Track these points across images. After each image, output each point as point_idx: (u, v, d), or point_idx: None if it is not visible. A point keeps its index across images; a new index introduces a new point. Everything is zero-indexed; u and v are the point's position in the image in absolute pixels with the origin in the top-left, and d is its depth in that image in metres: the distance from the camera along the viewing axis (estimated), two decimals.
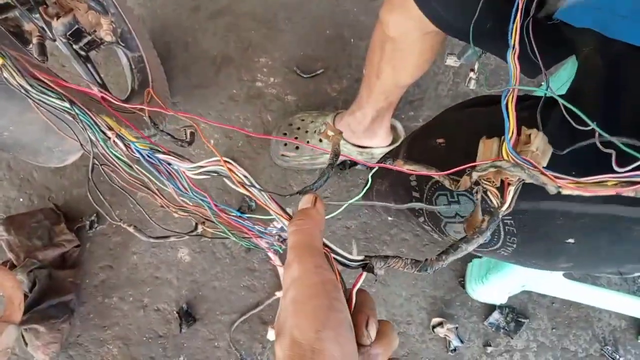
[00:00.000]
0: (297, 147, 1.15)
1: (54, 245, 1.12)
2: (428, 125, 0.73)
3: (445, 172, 0.40)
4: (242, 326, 1.10)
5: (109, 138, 0.43)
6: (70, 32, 0.92)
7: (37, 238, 1.12)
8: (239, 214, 0.46)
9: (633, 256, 0.51)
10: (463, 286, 1.13)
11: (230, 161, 0.40)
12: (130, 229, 0.57)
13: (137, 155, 0.44)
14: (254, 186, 0.39)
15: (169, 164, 0.44)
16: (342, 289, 0.34)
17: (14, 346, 1.00)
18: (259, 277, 1.14)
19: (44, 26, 0.88)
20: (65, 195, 1.21)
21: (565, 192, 0.29)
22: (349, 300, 0.36)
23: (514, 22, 0.41)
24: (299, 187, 1.20)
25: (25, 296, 1.01)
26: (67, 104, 0.43)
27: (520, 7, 0.41)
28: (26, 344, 1.04)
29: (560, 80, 0.96)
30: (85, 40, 0.96)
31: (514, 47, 0.39)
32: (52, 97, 0.43)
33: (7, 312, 0.87)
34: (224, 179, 0.42)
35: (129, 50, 1.14)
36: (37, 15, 0.87)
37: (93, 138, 0.44)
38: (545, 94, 0.40)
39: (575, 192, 0.28)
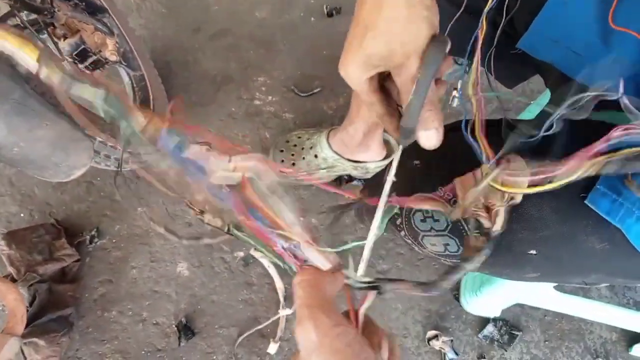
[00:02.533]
0: (293, 163, 1.18)
1: (54, 260, 1.14)
2: (408, 147, 0.76)
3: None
4: (241, 341, 1.11)
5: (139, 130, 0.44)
6: (76, 52, 0.96)
7: (37, 252, 1.13)
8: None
9: (593, 267, 0.54)
10: (457, 299, 1.15)
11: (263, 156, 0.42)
12: (161, 230, 0.58)
13: (168, 148, 0.44)
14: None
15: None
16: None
17: None
18: (256, 291, 1.15)
19: (52, 46, 0.91)
20: (66, 211, 1.23)
21: None
22: (356, 320, 0.37)
23: (472, 55, 0.46)
24: (295, 201, 1.23)
25: (25, 310, 1.03)
26: (102, 93, 0.44)
27: (479, 39, 0.45)
28: (25, 358, 1.05)
29: (547, 98, 1.00)
30: (90, 60, 1.00)
31: (477, 82, 0.43)
32: (87, 84, 0.44)
33: (10, 324, 0.88)
34: None
35: (131, 69, 1.18)
36: (45, 36, 0.91)
37: (125, 129, 0.45)
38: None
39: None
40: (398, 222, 0.64)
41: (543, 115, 0.40)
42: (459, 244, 0.57)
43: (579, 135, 0.39)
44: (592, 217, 0.47)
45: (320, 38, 1.42)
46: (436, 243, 0.59)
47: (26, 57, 0.42)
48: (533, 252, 0.51)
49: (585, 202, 0.48)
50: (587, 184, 0.48)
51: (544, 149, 0.42)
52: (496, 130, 0.50)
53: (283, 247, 0.49)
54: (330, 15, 1.44)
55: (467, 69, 0.87)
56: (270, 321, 1.12)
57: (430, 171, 0.60)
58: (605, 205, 0.47)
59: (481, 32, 0.49)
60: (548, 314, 1.15)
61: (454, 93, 1.03)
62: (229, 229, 0.51)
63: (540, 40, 0.50)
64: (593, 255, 0.50)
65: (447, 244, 0.58)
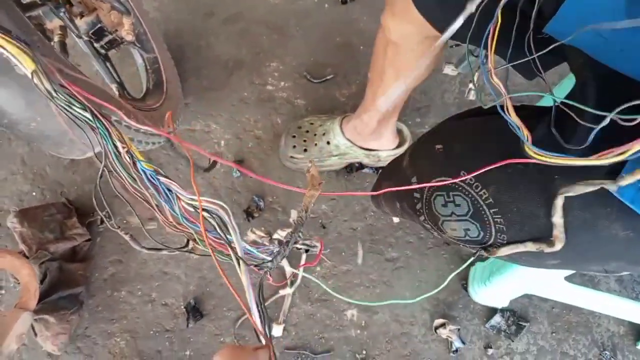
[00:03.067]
0: (305, 150, 1.18)
1: (65, 239, 1.14)
2: (429, 132, 0.76)
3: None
4: (247, 322, 1.12)
5: (120, 153, 0.47)
6: (93, 30, 0.96)
7: (49, 231, 1.14)
8: (230, 239, 0.51)
9: (615, 254, 0.53)
10: (466, 289, 1.16)
11: (225, 207, 0.45)
12: (127, 237, 0.61)
13: (141, 173, 0.48)
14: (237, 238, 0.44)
15: (169, 189, 0.48)
16: None
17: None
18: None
19: (69, 24, 0.91)
20: (77, 191, 1.24)
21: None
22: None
23: (486, 39, 0.46)
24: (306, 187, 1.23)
25: (38, 286, 1.04)
26: (89, 115, 0.46)
27: (495, 23, 0.44)
28: (35, 335, 1.06)
29: (563, 90, 1.00)
30: (106, 39, 1.00)
31: (487, 67, 0.43)
32: (77, 107, 0.46)
33: (24, 299, 0.89)
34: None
35: (145, 51, 1.18)
36: (63, 13, 0.91)
37: (106, 149, 0.48)
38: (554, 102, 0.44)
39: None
40: (418, 206, 0.64)
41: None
42: (479, 228, 0.57)
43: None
44: (616, 204, 0.46)
45: (334, 25, 1.41)
46: (457, 228, 0.59)
47: (22, 65, 0.43)
48: (503, 243, 0.52)
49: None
50: (610, 171, 0.48)
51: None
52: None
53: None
54: (344, 2, 1.43)
55: (485, 61, 0.86)
56: (271, 300, 1.12)
57: (452, 155, 0.60)
58: (630, 193, 0.46)
59: (495, 26, 0.49)
60: (556, 306, 1.15)
61: (470, 85, 1.02)
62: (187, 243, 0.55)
63: (569, 23, 0.50)
64: (616, 242, 0.50)
65: (468, 229, 0.58)
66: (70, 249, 1.15)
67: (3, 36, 0.43)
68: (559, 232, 0.47)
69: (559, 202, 0.47)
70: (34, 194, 1.24)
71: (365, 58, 1.36)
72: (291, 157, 1.19)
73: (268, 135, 1.28)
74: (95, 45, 0.99)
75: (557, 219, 0.48)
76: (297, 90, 1.33)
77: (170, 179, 0.48)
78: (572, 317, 1.15)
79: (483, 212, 0.55)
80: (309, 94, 1.32)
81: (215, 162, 1.15)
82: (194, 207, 0.48)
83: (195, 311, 1.13)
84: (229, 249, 0.46)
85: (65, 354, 1.11)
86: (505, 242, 0.56)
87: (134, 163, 0.45)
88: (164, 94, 1.14)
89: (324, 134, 1.17)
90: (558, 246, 0.48)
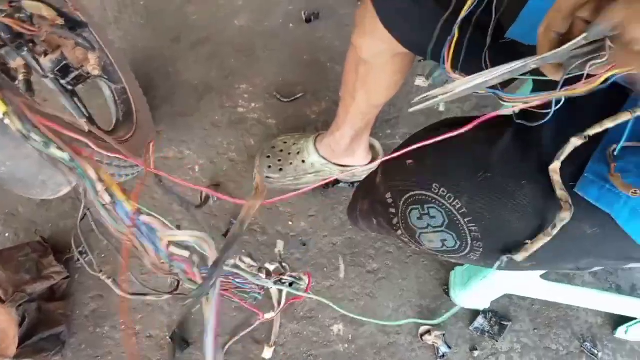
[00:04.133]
0: (280, 169, 1.19)
1: (42, 278, 1.12)
2: (399, 147, 0.78)
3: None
4: (236, 347, 1.12)
5: (99, 192, 0.47)
6: (58, 68, 0.95)
7: (25, 272, 1.12)
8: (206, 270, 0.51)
9: (585, 251, 0.56)
10: (447, 294, 1.18)
11: (207, 238, 0.45)
12: (109, 282, 0.61)
13: (121, 214, 0.47)
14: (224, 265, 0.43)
15: (152, 228, 0.48)
16: None
17: None
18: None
19: (33, 63, 0.91)
20: (52, 228, 1.22)
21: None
22: None
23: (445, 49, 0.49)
24: (284, 207, 1.24)
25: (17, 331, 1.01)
26: (66, 156, 0.46)
27: (447, 47, 0.47)
28: None
29: (523, 95, 1.03)
30: (72, 75, 0.99)
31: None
32: (52, 148, 0.46)
33: (3, 345, 0.87)
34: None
35: (112, 82, 1.17)
36: (25, 53, 0.90)
37: (85, 189, 0.47)
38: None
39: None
40: (394, 221, 0.65)
41: None
42: (456, 238, 0.59)
43: None
44: (582, 204, 0.49)
45: (300, 44, 1.43)
46: (434, 239, 0.61)
47: None
48: (528, 241, 0.54)
49: (575, 190, 0.50)
50: (575, 173, 0.51)
51: None
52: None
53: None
54: (308, 20, 1.45)
55: (449, 77, 0.89)
56: (257, 323, 1.12)
57: (424, 168, 0.62)
58: (594, 192, 0.49)
59: (452, 41, 0.51)
60: (535, 303, 1.19)
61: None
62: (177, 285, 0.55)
63: (531, 25, 0.52)
64: (585, 240, 0.53)
65: (445, 240, 0.60)
66: (48, 288, 1.13)
67: None
68: (564, 202, 0.49)
69: (555, 177, 0.49)
70: (6, 235, 1.21)
71: (333, 74, 1.39)
72: (267, 177, 1.20)
73: (242, 157, 1.29)
74: (62, 82, 0.99)
75: (559, 191, 0.49)
76: (268, 111, 1.34)
77: (152, 216, 0.48)
78: (551, 312, 1.19)
79: (458, 222, 0.57)
80: (280, 114, 1.34)
81: (208, 198, 1.14)
82: (176, 243, 0.48)
83: (181, 341, 1.12)
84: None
85: None
86: (481, 249, 0.58)
87: (115, 203, 0.45)
88: (134, 124, 1.14)
89: (298, 153, 1.18)
90: (567, 216, 0.49)
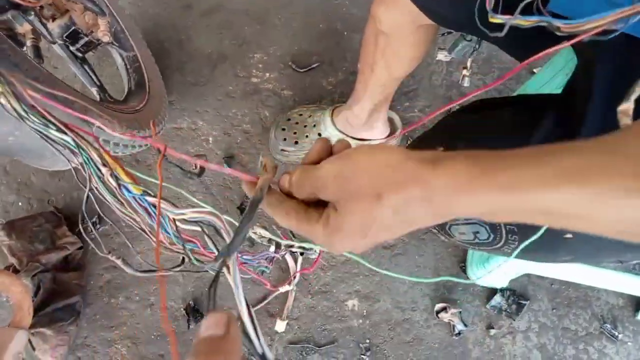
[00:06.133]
0: (296, 142, 1.16)
1: (56, 248, 1.12)
2: (429, 131, 0.74)
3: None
4: None
5: (103, 175, 0.44)
6: (67, 33, 0.92)
7: (39, 242, 1.11)
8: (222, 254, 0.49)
9: (631, 244, 0.53)
10: (465, 271, 1.16)
11: (218, 214, 0.42)
12: (119, 262, 0.59)
13: (128, 196, 0.45)
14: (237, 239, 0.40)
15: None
16: None
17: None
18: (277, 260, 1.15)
19: (41, 28, 0.87)
20: (65, 198, 1.21)
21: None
22: None
23: None
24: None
25: (31, 301, 1.01)
26: (68, 139, 0.43)
27: None
28: (34, 348, 1.04)
29: (554, 67, 0.98)
30: (82, 42, 0.96)
31: None
32: (52, 130, 0.43)
33: (17, 317, 0.87)
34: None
35: (124, 50, 1.14)
36: (32, 17, 0.87)
37: (89, 173, 0.45)
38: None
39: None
40: None
41: None
42: (489, 231, 0.55)
43: None
44: None
45: (316, 12, 1.37)
46: (465, 232, 0.58)
47: None
48: (569, 235, 0.50)
49: None
50: None
51: None
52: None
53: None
54: None
55: (477, 46, 0.83)
56: (272, 296, 1.12)
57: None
58: None
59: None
60: (555, 283, 1.16)
61: (464, 72, 1.00)
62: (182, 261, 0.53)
63: None
64: None
65: (477, 232, 0.57)
66: (62, 258, 1.12)
67: None
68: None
69: (625, 120, 0.44)
70: (20, 204, 1.20)
71: (350, 44, 1.33)
72: (282, 150, 1.17)
73: (257, 129, 1.26)
74: (71, 48, 0.95)
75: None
76: (283, 81, 1.30)
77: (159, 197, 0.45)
78: (571, 292, 1.16)
79: None
80: (295, 84, 1.30)
81: (203, 168, 1.11)
82: (185, 220, 0.46)
83: (195, 312, 1.11)
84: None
85: None
86: (516, 242, 0.55)
87: (120, 186, 0.42)
88: (147, 93, 1.11)
89: (314, 126, 1.14)
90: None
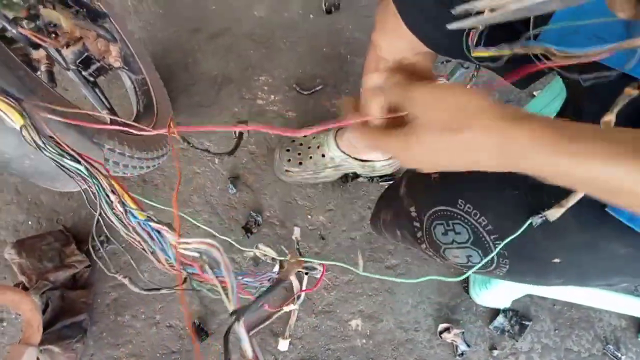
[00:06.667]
0: (300, 163, 1.18)
1: (65, 267, 1.14)
2: None
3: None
4: (254, 338, 1.12)
5: (112, 202, 0.48)
6: (80, 59, 0.96)
7: (48, 260, 1.14)
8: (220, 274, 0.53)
9: (616, 270, 0.54)
10: (467, 292, 1.16)
11: (218, 245, 0.46)
12: (125, 281, 0.62)
13: (133, 222, 0.48)
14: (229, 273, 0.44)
15: (160, 234, 0.49)
16: None
17: None
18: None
19: (55, 55, 0.91)
20: (73, 217, 1.23)
21: None
22: None
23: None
24: (303, 201, 1.24)
25: (41, 319, 1.03)
26: (82, 168, 0.46)
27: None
28: None
29: (552, 91, 1.00)
30: (94, 67, 0.99)
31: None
32: (67, 159, 0.46)
33: (27, 334, 0.89)
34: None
35: (133, 73, 1.17)
36: (48, 45, 0.91)
37: (99, 199, 0.48)
38: None
39: None
40: (418, 235, 0.64)
41: None
42: (481, 255, 0.57)
43: None
44: (615, 224, 0.47)
45: (320, 35, 1.41)
46: (459, 255, 0.60)
47: (12, 121, 0.43)
48: (557, 260, 0.52)
49: (606, 209, 0.48)
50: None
51: None
52: None
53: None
54: (329, 12, 1.43)
55: (475, 73, 0.86)
56: (275, 316, 1.12)
57: (450, 184, 0.60)
58: (627, 212, 0.47)
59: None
60: (557, 303, 1.17)
61: None
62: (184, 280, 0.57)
63: (562, 31, 0.50)
64: (617, 260, 0.51)
65: (470, 256, 0.58)
66: (70, 276, 1.14)
67: None
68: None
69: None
70: (29, 223, 1.23)
71: (353, 67, 1.37)
72: (286, 170, 1.19)
73: (262, 150, 1.28)
74: (84, 73, 0.99)
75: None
76: (287, 103, 1.33)
77: (161, 224, 0.48)
78: (573, 313, 1.16)
79: (484, 239, 0.56)
80: (299, 106, 1.33)
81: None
82: (187, 248, 0.49)
83: (200, 331, 1.13)
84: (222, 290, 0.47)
85: None
86: (507, 266, 0.56)
87: (126, 212, 0.45)
88: (155, 115, 1.14)
89: (318, 147, 1.17)
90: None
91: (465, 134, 0.39)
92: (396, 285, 1.18)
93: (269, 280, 0.74)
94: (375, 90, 0.48)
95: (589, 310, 1.16)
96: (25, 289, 1.09)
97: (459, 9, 0.45)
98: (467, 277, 1.17)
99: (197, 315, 1.14)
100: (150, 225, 0.47)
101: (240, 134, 0.75)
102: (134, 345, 1.13)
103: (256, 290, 0.78)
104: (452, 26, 0.45)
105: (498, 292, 1.06)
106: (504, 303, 1.11)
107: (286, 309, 1.13)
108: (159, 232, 0.48)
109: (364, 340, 1.14)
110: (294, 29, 1.42)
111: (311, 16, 1.44)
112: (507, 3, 0.41)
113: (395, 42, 0.77)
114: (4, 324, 1.16)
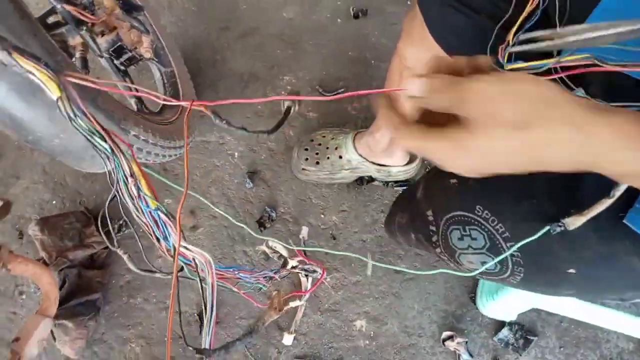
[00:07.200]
0: (317, 162, 1.20)
1: (84, 246, 1.18)
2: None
3: None
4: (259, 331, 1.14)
5: (128, 183, 0.50)
6: (113, 48, 1.00)
7: (68, 239, 1.18)
8: (222, 268, 0.56)
9: (631, 285, 0.54)
10: (474, 302, 1.17)
11: (211, 262, 0.49)
12: (125, 257, 0.66)
13: (142, 207, 0.51)
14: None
15: (166, 226, 0.51)
16: None
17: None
18: (275, 284, 1.18)
19: (90, 42, 0.95)
20: (96, 200, 1.28)
21: None
22: None
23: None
24: (317, 200, 1.26)
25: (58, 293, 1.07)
26: (107, 147, 0.49)
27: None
28: (55, 339, 1.10)
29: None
30: (125, 57, 1.04)
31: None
32: (96, 137, 0.49)
33: (44, 306, 0.93)
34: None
35: (162, 65, 1.22)
36: (84, 32, 0.95)
37: (116, 178, 0.51)
38: None
39: None
40: (434, 239, 0.65)
41: None
42: (496, 261, 0.57)
43: None
44: (632, 236, 0.47)
45: (346, 39, 1.44)
46: (473, 261, 0.60)
47: (49, 91, 0.46)
48: (572, 270, 0.51)
49: (624, 221, 0.47)
50: (626, 203, 0.48)
51: None
52: None
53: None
54: (356, 17, 1.46)
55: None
56: (284, 310, 1.14)
57: (468, 189, 0.60)
58: None
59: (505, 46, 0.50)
60: (564, 320, 1.16)
61: None
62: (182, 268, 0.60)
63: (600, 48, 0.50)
64: (633, 274, 0.50)
65: (485, 262, 0.59)
66: (88, 256, 1.19)
67: (34, 64, 0.47)
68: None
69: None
70: (54, 202, 1.28)
71: (377, 72, 1.39)
72: (303, 169, 1.22)
73: (280, 148, 1.31)
74: (115, 62, 1.03)
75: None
76: (309, 104, 1.36)
77: (170, 217, 0.51)
78: (580, 332, 1.15)
79: (500, 246, 0.56)
80: (321, 107, 1.35)
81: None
82: (186, 248, 0.52)
83: None
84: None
85: (83, 358, 1.14)
86: (522, 274, 0.57)
87: (139, 196, 0.48)
88: (180, 106, 1.18)
89: (336, 148, 1.19)
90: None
91: (539, 129, 0.34)
92: (403, 289, 1.18)
93: (264, 277, 0.76)
94: (414, 99, 0.42)
95: (597, 330, 1.15)
96: (45, 264, 1.14)
97: (523, 36, 0.43)
98: (475, 288, 1.17)
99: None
100: (158, 214, 0.50)
101: (288, 108, 0.74)
102: (143, 327, 1.17)
103: (251, 285, 0.80)
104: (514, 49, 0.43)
105: (505, 304, 1.06)
106: (510, 316, 1.11)
107: (292, 304, 1.15)
108: (164, 223, 0.51)
109: (367, 342, 1.15)
110: (322, 31, 1.45)
111: (339, 20, 1.47)
112: (566, 35, 0.40)
113: (421, 52, 0.78)
114: (24, 296, 1.21)
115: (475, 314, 1.17)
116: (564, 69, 0.50)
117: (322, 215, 1.25)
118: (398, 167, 1.18)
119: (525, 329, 1.14)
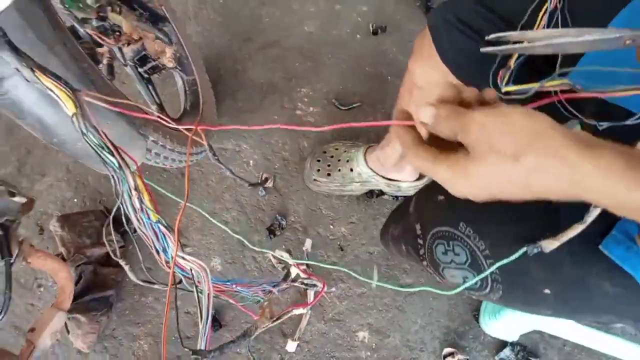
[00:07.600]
0: (328, 174, 1.23)
1: (101, 244, 1.23)
2: (432, 183, 0.79)
3: None
4: (264, 336, 1.17)
5: (131, 197, 0.54)
6: (137, 57, 1.05)
7: (86, 236, 1.23)
8: (219, 281, 0.59)
9: (605, 308, 0.55)
10: (477, 320, 1.17)
11: (207, 271, 0.52)
12: (126, 268, 0.70)
13: (144, 219, 0.55)
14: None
15: (165, 237, 0.55)
16: None
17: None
18: (282, 292, 1.21)
19: (117, 51, 1.01)
20: (115, 200, 1.33)
21: None
22: None
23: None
24: (327, 210, 1.28)
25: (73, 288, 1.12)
26: (115, 162, 0.53)
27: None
28: (68, 332, 1.14)
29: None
30: (149, 65, 1.09)
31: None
32: (105, 152, 0.53)
33: (59, 299, 0.98)
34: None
35: (185, 74, 1.26)
36: (111, 41, 1.00)
37: (121, 190, 0.55)
38: None
39: None
40: (421, 252, 0.67)
41: None
42: (477, 277, 0.60)
43: None
44: (606, 262, 0.49)
45: (365, 55, 1.47)
46: (456, 275, 0.62)
47: (64, 105, 0.50)
48: (547, 291, 0.53)
49: (600, 247, 0.49)
50: (603, 230, 0.50)
51: None
52: None
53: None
54: (375, 33, 1.49)
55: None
56: (287, 317, 1.17)
57: (454, 206, 0.63)
58: (620, 252, 0.48)
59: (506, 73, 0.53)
60: (567, 344, 1.15)
61: None
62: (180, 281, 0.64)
63: (588, 74, 0.52)
64: (605, 298, 0.52)
65: (466, 277, 0.61)
66: (104, 254, 1.24)
67: (54, 83, 0.51)
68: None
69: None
70: (75, 200, 1.34)
71: (393, 88, 1.41)
72: (315, 180, 1.24)
73: (294, 158, 1.34)
74: (139, 70, 1.08)
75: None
76: (324, 116, 1.39)
77: (169, 229, 0.55)
78: (583, 356, 1.15)
79: (480, 263, 0.58)
80: (335, 120, 1.38)
81: (266, 180, 1.08)
82: (183, 258, 0.55)
83: (214, 321, 1.19)
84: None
85: (93, 352, 1.19)
86: (501, 291, 0.58)
87: (142, 208, 0.51)
88: (200, 114, 1.23)
89: (347, 161, 1.22)
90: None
91: (529, 159, 0.36)
92: (407, 303, 1.20)
93: (263, 291, 0.79)
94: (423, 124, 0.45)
95: (600, 356, 1.14)
96: (63, 260, 1.19)
97: (492, 35, 0.47)
98: (479, 305, 1.18)
99: (214, 306, 1.20)
100: (158, 227, 0.53)
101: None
102: (152, 325, 1.21)
103: (249, 297, 0.83)
104: (485, 50, 0.46)
105: (507, 324, 1.06)
106: (512, 336, 1.11)
107: (297, 312, 1.18)
108: (164, 235, 0.54)
109: (369, 353, 1.17)
110: (341, 46, 1.49)
111: (358, 36, 1.50)
112: (536, 39, 0.44)
113: (429, 70, 0.81)
114: (41, 289, 1.26)
115: (478, 332, 1.17)
116: (563, 92, 0.52)
117: (331, 226, 1.28)
118: (408, 183, 1.20)
119: (527, 350, 1.14)
